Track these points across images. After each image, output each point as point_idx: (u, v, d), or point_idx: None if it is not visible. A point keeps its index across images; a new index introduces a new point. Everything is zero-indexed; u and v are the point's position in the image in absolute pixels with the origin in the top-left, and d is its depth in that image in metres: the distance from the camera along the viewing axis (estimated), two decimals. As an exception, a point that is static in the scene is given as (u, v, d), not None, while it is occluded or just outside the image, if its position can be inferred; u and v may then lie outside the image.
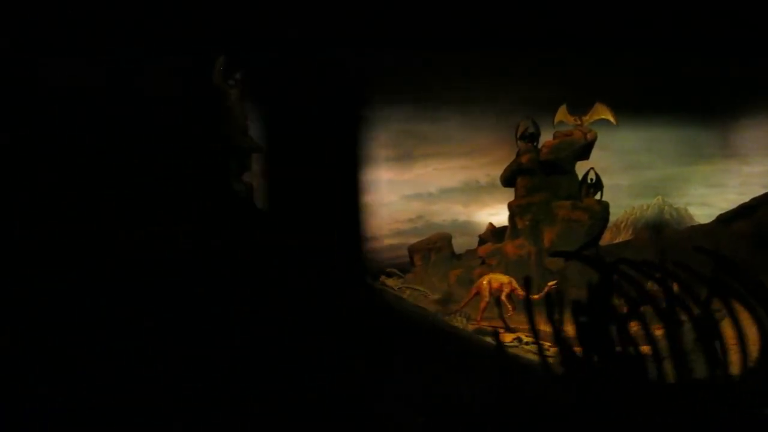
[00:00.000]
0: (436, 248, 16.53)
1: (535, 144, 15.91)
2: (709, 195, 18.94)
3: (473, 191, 18.79)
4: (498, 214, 18.75)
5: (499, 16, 17.68)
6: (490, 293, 12.20)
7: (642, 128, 18.47)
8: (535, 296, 12.20)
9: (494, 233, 16.44)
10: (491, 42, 17.86)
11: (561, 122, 15.97)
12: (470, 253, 16.71)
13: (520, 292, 12.16)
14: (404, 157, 18.61)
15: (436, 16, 17.15)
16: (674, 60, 18.76)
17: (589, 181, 15.40)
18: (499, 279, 12.28)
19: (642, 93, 18.29)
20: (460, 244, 17.38)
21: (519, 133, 16.04)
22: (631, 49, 19.19)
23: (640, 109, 18.04)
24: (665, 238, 16.19)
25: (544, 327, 3.74)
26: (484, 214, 18.69)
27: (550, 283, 12.04)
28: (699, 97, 18.60)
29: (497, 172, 19.10)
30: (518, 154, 16.04)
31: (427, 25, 17.33)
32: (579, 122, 15.78)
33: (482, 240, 16.60)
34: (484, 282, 12.35)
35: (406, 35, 17.25)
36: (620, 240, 17.82)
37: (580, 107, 16.27)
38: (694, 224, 17.58)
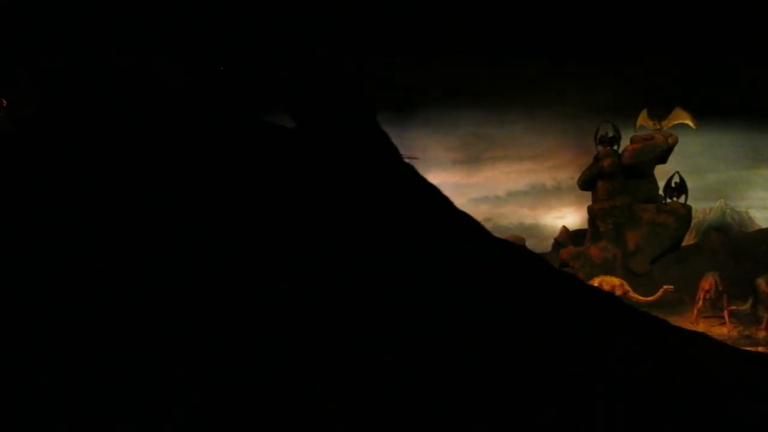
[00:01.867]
0: (513, 251, 16.57)
1: (615, 148, 16.00)
2: (770, 198, 19.23)
3: (540, 194, 18.92)
4: (564, 217, 18.91)
5: (565, 24, 17.91)
6: (602, 296, 12.26)
7: (703, 132, 18.68)
8: (650, 298, 12.36)
9: (571, 236, 16.54)
10: (558, 48, 18.09)
11: (642, 126, 16.13)
12: (545, 256, 16.78)
13: (633, 294, 12.27)
14: (472, 160, 18.70)
15: (505, 23, 17.32)
16: (734, 63, 19.10)
17: (673, 184, 15.55)
18: (611, 281, 12.38)
19: (703, 96, 18.57)
20: (528, 247, 17.45)
21: (598, 137, 16.11)
22: (692, 54, 19.53)
23: (701, 113, 18.23)
24: (734, 241, 16.39)
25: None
26: (550, 218, 18.84)
27: (666, 287, 12.18)
28: (759, 101, 18.89)
29: (563, 175, 19.29)
30: (597, 158, 16.08)
31: (496, 32, 17.51)
32: (659, 126, 15.96)
33: (559, 243, 16.69)
34: (596, 284, 12.40)
35: (476, 42, 17.43)
36: (685, 243, 17.97)
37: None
38: (761, 228, 17.80)
